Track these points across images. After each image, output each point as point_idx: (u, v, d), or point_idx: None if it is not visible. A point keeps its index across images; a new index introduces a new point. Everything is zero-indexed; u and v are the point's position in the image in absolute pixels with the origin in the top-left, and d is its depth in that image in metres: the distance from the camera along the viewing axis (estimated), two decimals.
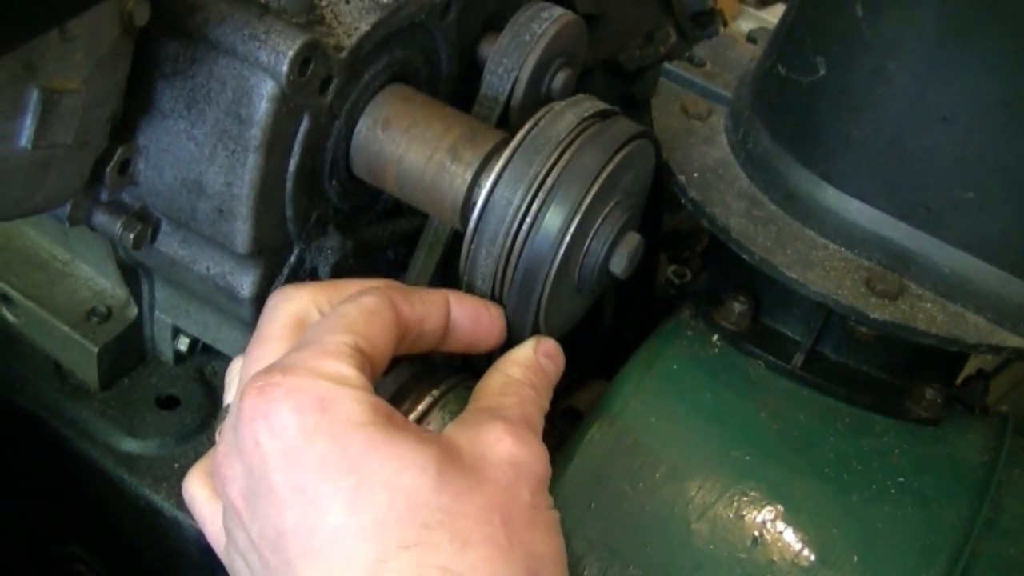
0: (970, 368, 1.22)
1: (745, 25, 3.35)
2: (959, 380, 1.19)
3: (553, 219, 0.93)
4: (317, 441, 0.78)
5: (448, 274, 1.07)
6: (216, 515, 0.90)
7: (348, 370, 0.82)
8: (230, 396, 0.95)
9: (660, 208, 1.16)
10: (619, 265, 0.99)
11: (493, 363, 0.97)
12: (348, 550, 0.77)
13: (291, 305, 0.91)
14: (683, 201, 1.09)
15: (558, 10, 1.09)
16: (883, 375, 1.11)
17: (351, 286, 0.93)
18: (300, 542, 0.78)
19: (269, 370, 0.82)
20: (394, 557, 0.76)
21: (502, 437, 0.85)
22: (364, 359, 0.84)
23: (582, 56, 1.15)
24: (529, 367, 0.95)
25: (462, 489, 0.79)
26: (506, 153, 0.95)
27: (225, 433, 0.85)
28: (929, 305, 1.02)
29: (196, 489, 0.94)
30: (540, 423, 0.92)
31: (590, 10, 1.56)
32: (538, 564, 0.81)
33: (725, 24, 1.80)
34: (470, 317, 0.96)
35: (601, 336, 1.28)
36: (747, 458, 1.03)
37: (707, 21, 1.74)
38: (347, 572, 0.77)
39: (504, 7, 1.15)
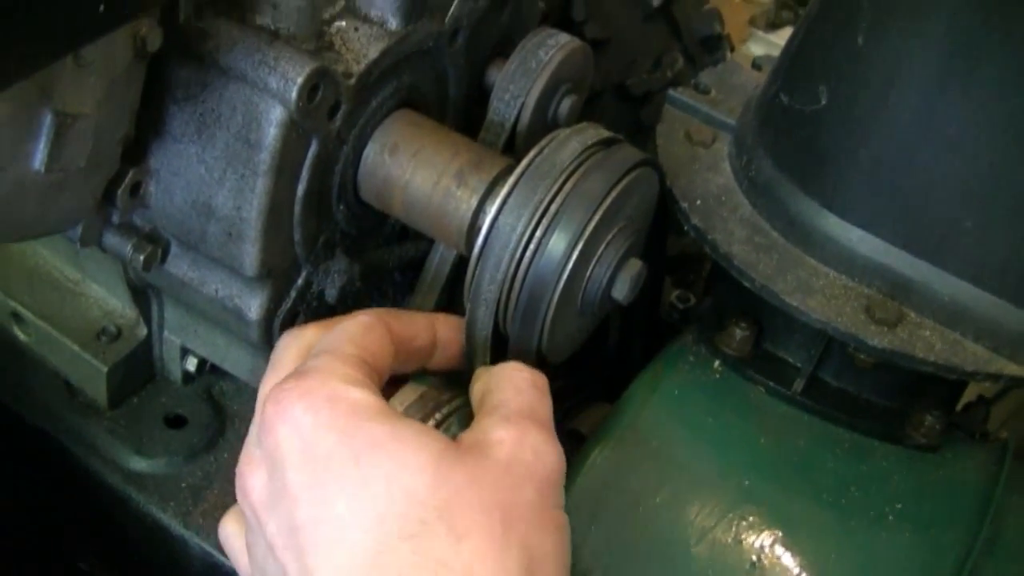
0: (972, 394, 1.22)
1: (755, 48, 3.37)
2: (960, 406, 1.20)
3: (556, 245, 0.95)
4: (326, 436, 0.82)
5: (453, 298, 1.08)
6: (244, 549, 0.93)
7: (355, 372, 0.86)
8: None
9: (664, 234, 1.18)
10: (621, 291, 1.01)
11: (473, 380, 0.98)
12: (351, 541, 0.79)
13: (299, 341, 0.96)
14: (686, 228, 1.10)
15: (564, 37, 1.11)
16: (883, 401, 1.12)
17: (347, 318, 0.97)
18: (310, 534, 0.81)
19: (284, 380, 0.86)
20: (393, 549, 0.79)
21: (503, 439, 0.85)
22: (369, 367, 0.89)
23: (588, 82, 1.16)
24: (514, 364, 0.96)
25: (461, 487, 0.81)
26: (511, 180, 0.96)
27: (249, 446, 0.89)
28: (928, 333, 1.03)
29: (231, 527, 0.97)
30: (546, 411, 0.92)
31: (598, 35, 1.57)
32: (535, 563, 0.82)
33: (732, 49, 1.80)
34: (456, 332, 1.01)
35: (606, 360, 1.29)
36: (747, 483, 1.04)
37: (715, 46, 1.75)
38: (350, 561, 0.79)
39: (512, 33, 1.16)
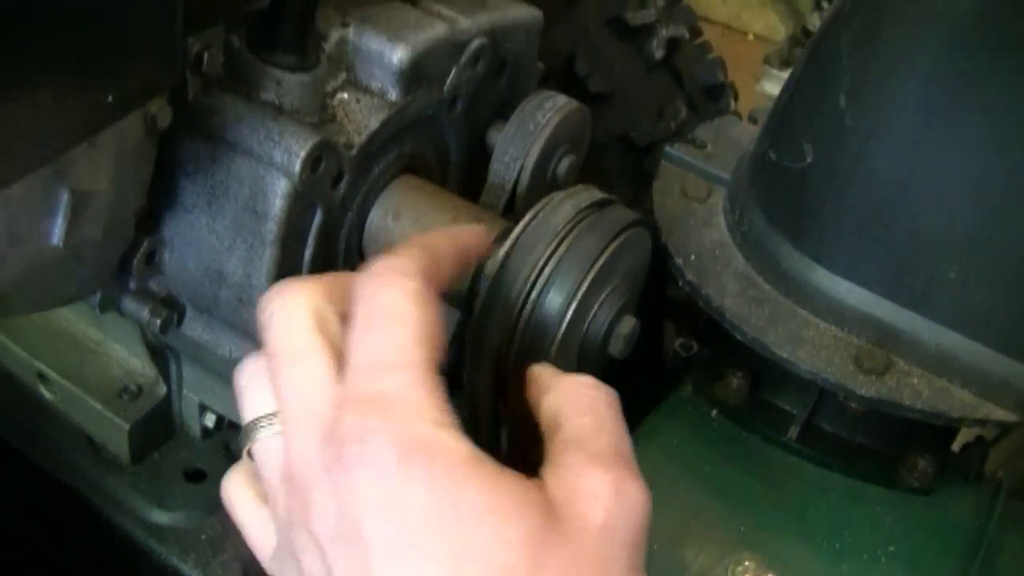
0: (973, 434, 1.25)
1: (769, 86, 3.40)
2: (960, 447, 1.23)
3: (552, 306, 0.99)
4: (418, 495, 0.73)
5: (461, 354, 1.12)
6: (260, 519, 0.86)
7: (438, 398, 0.77)
8: (250, 409, 0.85)
9: (663, 286, 1.21)
10: (616, 347, 1.04)
11: (534, 384, 0.90)
12: None
13: (303, 307, 0.82)
14: (681, 283, 1.14)
15: (562, 99, 1.15)
16: (877, 445, 1.16)
17: (353, 279, 0.83)
18: None
19: (364, 411, 0.76)
20: None
21: (598, 494, 0.78)
22: (436, 357, 0.79)
23: (587, 142, 1.20)
24: (587, 380, 0.88)
25: (559, 569, 0.75)
26: (507, 243, 1.00)
27: (307, 461, 0.78)
28: (916, 380, 1.07)
29: (239, 491, 0.88)
30: (628, 442, 0.84)
31: (602, 89, 1.61)
32: None
33: (736, 96, 1.84)
34: (455, 235, 0.92)
35: None
36: (742, 528, 1.08)
37: (718, 94, 1.79)
38: None
39: (512, 96, 1.20)
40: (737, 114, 1.82)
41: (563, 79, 1.60)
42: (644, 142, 1.65)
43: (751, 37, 3.73)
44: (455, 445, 0.74)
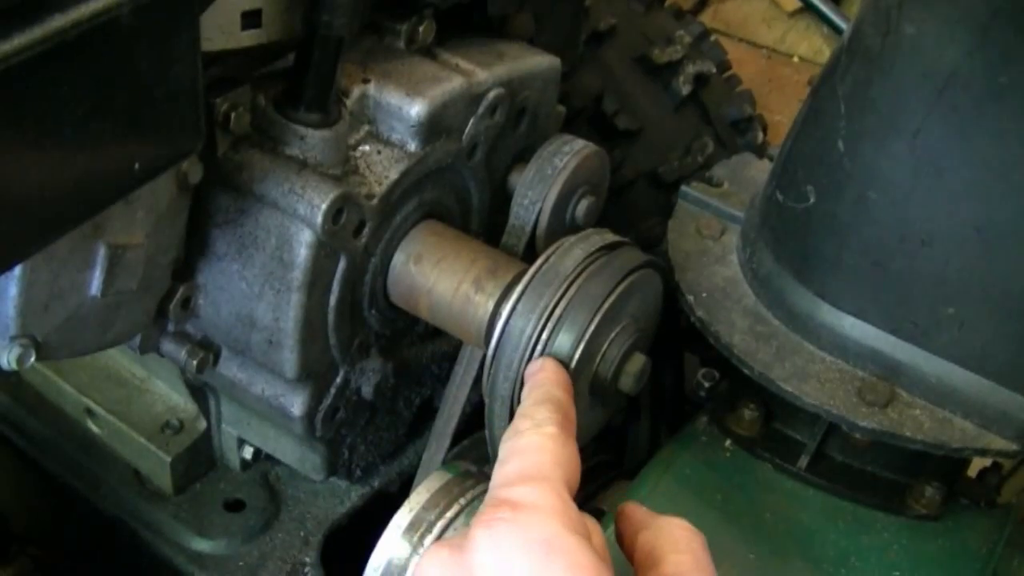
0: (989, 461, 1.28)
1: None
2: (977, 473, 1.27)
3: (561, 346, 1.04)
4: None
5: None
6: None
7: (569, 508, 0.82)
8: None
9: (679, 324, 1.25)
10: (627, 384, 1.09)
11: (627, 520, 0.95)
12: None
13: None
14: (692, 320, 1.18)
15: (579, 143, 1.19)
16: (886, 474, 1.19)
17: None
18: None
19: (497, 506, 0.82)
20: None
21: None
22: (572, 486, 0.87)
23: (606, 183, 1.24)
24: (681, 522, 0.92)
25: None
26: (519, 287, 1.05)
27: (442, 556, 0.84)
28: (918, 412, 1.10)
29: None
30: None
31: (630, 126, 1.66)
32: None
33: (765, 129, 1.86)
34: (562, 386, 1.00)
35: (637, 440, 1.38)
36: (752, 556, 1.12)
37: (745, 128, 1.82)
38: None
39: (532, 141, 1.26)
40: (766, 145, 1.85)
41: (592, 117, 1.65)
42: (672, 178, 1.68)
43: (796, 59, 3.75)
44: (579, 548, 0.79)
